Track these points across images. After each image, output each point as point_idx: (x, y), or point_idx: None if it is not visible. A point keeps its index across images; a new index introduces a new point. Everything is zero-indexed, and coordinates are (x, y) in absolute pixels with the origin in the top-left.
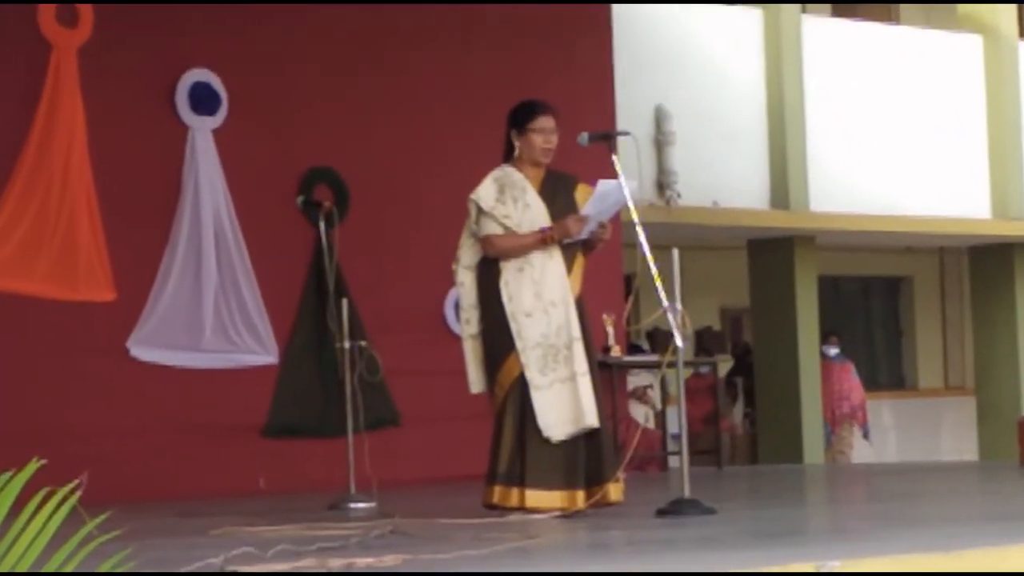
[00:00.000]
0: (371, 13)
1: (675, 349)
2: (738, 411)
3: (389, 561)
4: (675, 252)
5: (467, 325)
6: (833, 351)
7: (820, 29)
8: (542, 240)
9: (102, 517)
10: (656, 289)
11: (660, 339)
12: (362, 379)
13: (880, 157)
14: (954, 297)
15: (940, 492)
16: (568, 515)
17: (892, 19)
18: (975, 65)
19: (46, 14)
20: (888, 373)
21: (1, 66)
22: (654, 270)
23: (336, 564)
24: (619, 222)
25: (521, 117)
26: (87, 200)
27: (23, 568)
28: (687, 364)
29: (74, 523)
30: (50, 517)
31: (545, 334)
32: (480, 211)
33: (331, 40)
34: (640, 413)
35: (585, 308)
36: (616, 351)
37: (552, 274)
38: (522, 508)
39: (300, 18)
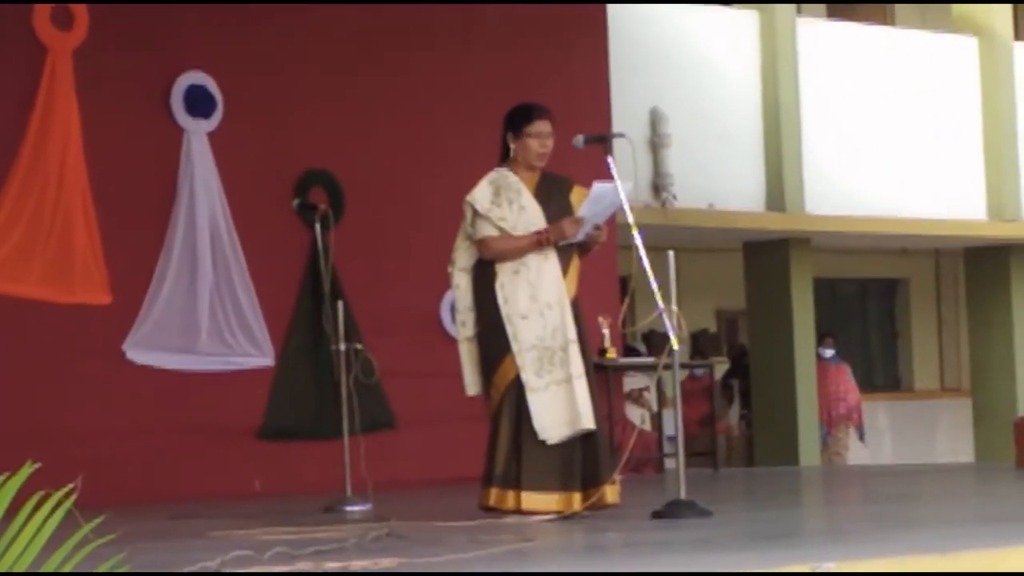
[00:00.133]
0: (367, 14)
1: (671, 351)
2: (734, 413)
3: (385, 564)
4: (671, 254)
5: (463, 327)
6: (829, 353)
7: (816, 31)
8: (538, 242)
9: (98, 520)
10: (652, 291)
11: (656, 341)
12: (358, 381)
13: (876, 159)
14: (950, 299)
15: (936, 494)
16: (564, 517)
17: (888, 21)
18: (971, 67)
19: (41, 17)
20: (884, 375)
21: None
22: (650, 272)
23: (332, 566)
24: (615, 224)
25: (518, 120)
26: (83, 203)
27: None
28: (683, 366)
29: (70, 526)
30: (46, 520)
31: (541, 336)
32: (476, 213)
33: (326, 42)
34: (636, 415)
35: (581, 310)
36: (612, 353)
37: (548, 276)
38: (518, 510)
39: (295, 20)
